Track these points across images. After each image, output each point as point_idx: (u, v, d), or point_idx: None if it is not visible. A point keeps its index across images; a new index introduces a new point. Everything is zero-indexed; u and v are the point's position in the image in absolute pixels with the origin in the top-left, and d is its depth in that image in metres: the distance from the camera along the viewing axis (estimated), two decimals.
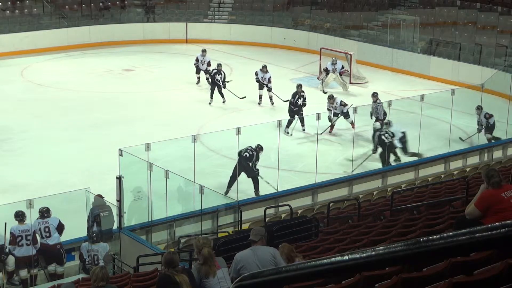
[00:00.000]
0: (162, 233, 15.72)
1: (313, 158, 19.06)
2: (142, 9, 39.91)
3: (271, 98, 26.99)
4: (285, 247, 9.56)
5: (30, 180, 19.98)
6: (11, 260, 14.22)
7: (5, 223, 14.14)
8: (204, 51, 29.54)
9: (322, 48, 32.64)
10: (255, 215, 16.40)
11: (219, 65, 27.81)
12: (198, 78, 29.42)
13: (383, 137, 20.57)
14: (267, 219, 15.30)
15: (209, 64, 28.93)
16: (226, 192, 17.88)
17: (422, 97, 20.88)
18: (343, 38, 35.41)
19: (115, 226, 15.30)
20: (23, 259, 14.25)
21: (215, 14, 39.90)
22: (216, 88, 27.16)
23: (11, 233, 14.20)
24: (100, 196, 15.42)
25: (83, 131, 24.18)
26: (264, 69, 27.08)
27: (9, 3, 37.84)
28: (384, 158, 20.27)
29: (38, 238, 14.43)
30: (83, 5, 39.25)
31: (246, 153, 18.29)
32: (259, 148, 18.51)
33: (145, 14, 39.58)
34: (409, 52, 33.33)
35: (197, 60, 29.49)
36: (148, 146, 15.89)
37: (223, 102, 27.16)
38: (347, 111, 23.07)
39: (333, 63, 29.51)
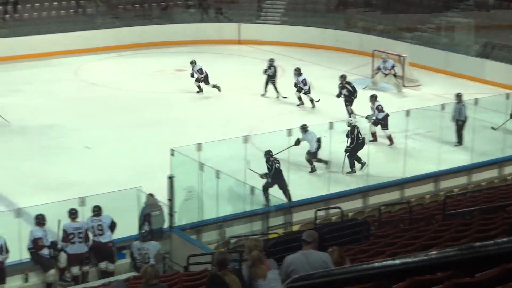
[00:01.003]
0: (213, 233, 15.76)
1: (364, 161, 18.96)
2: (196, 9, 40.04)
3: (311, 101, 26.97)
4: (335, 251, 9.49)
5: (81, 178, 20.17)
6: (63, 257, 14.37)
7: (59, 220, 14.31)
8: (193, 62, 28.98)
9: (375, 50, 32.43)
10: (305, 217, 16.34)
11: (271, 60, 28.19)
12: (198, 86, 28.91)
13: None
14: (317, 221, 15.23)
15: (200, 71, 28.65)
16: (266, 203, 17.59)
17: (476, 100, 20.67)
18: (396, 40, 35.12)
19: (166, 225, 15.38)
20: (75, 256, 14.40)
21: (268, 15, 39.87)
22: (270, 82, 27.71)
23: (63, 230, 14.36)
24: (151, 195, 15.52)
25: (134, 130, 24.35)
26: (296, 72, 27.11)
27: (63, 2, 38.22)
28: None
29: (90, 235, 14.57)
30: (136, 5, 39.52)
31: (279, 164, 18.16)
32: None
33: (201, 14, 39.65)
34: (463, 55, 32.92)
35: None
36: (199, 146, 15.95)
37: (277, 97, 27.50)
38: (384, 120, 22.72)
39: (384, 61, 29.42)
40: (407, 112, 20.32)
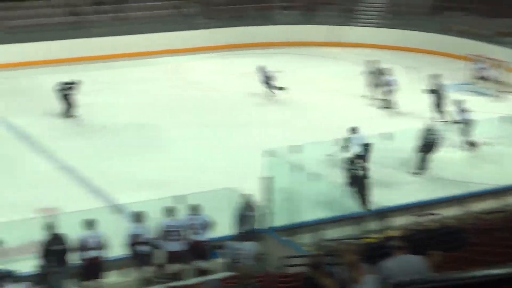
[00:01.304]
0: (308, 236, 15.74)
1: (463, 168, 18.70)
2: (293, 11, 40.10)
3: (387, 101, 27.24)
4: (434, 255, 9.36)
5: (176, 177, 20.41)
6: (160, 254, 14.58)
7: (156, 218, 14.52)
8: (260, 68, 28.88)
9: (471, 54, 31.90)
10: (401, 222, 16.20)
11: (372, 61, 28.46)
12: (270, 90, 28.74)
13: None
14: (413, 227, 15.07)
15: (268, 77, 28.52)
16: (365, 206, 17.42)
17: None
18: (495, 45, 34.46)
19: (261, 226, 15.45)
20: (172, 253, 14.59)
21: (364, 18, 39.59)
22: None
23: (161, 227, 14.57)
24: (247, 195, 15.60)
25: (228, 131, 24.54)
26: (380, 72, 27.50)
27: (160, 3, 38.74)
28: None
29: (187, 234, 14.73)
30: (233, 6, 39.78)
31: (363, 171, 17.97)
32: None
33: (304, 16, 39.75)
34: None
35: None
36: (294, 148, 15.96)
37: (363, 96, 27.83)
38: (465, 125, 22.34)
39: (476, 63, 29.32)
40: (507, 118, 19.93)
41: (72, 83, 25.75)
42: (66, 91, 25.52)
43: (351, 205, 16.16)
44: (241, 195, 15.66)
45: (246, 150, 22.03)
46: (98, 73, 32.10)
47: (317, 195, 16.60)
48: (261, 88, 28.01)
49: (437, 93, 25.50)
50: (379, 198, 17.56)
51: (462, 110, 22.78)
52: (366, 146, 20.10)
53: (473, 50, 33.06)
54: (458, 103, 23.18)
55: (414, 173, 20.20)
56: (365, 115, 26.38)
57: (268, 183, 15.56)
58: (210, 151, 22.68)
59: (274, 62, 33.95)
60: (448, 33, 37.35)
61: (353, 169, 17.75)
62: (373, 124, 24.36)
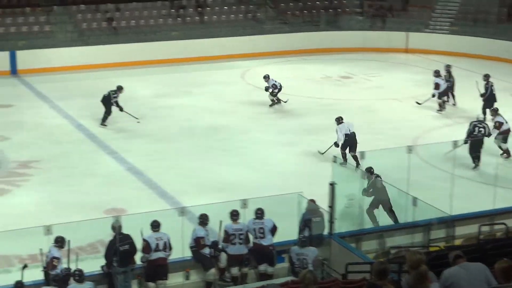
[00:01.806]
0: (372, 242, 15.59)
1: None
2: (363, 17, 39.97)
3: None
4: (503, 263, 9.02)
5: (245, 181, 20.52)
6: (223, 257, 14.60)
7: (220, 221, 14.55)
8: (266, 77, 28.10)
9: None
10: (468, 231, 15.93)
11: (447, 66, 28.29)
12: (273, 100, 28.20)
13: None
14: (481, 237, 14.83)
15: (274, 86, 27.86)
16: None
17: None
18: None
19: (325, 232, 15.37)
20: (235, 257, 14.60)
21: (437, 24, 39.22)
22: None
23: (225, 231, 14.59)
24: (313, 201, 15.53)
25: (298, 136, 24.56)
26: (436, 74, 27.47)
27: (234, 7, 38.99)
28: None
29: (251, 237, 14.74)
30: (305, 11, 39.81)
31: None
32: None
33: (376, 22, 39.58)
34: None
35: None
36: (362, 155, 15.85)
37: (453, 104, 27.67)
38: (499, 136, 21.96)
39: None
40: None
41: (116, 90, 25.62)
42: (112, 99, 25.37)
43: (419, 213, 15.94)
44: (308, 201, 15.59)
45: (317, 155, 22.04)
46: (172, 76, 32.43)
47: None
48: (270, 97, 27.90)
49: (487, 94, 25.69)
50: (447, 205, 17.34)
51: (495, 121, 22.37)
52: (348, 136, 21.61)
53: None
54: (492, 112, 23.02)
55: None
56: (440, 122, 26.08)
57: (334, 189, 15.46)
58: (281, 156, 22.75)
59: (347, 68, 33.92)
60: None
61: None
62: (444, 132, 24.13)
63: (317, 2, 40.19)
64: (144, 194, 19.79)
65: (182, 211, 14.55)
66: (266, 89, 27.61)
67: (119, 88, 25.45)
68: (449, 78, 27.96)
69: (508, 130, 21.97)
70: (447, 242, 15.51)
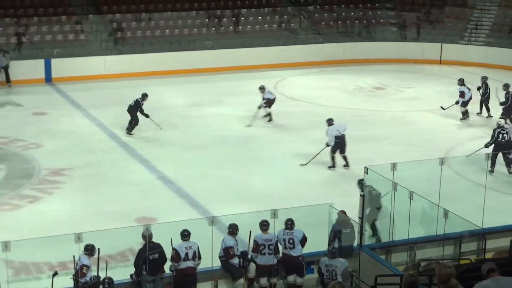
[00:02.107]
0: (402, 255, 15.51)
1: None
2: (397, 28, 39.86)
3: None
4: None
5: (275, 191, 20.52)
6: (252, 267, 14.58)
7: (250, 231, 14.55)
8: (261, 88, 27.63)
9: None
10: (500, 244, 15.79)
11: (484, 77, 28.32)
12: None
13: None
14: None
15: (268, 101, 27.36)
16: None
17: None
18: None
19: (355, 243, 15.31)
20: (264, 267, 14.57)
21: (472, 36, 38.98)
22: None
23: (254, 241, 14.58)
24: (343, 212, 15.49)
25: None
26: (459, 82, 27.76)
27: (268, 17, 39.06)
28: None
29: (280, 248, 14.70)
30: (339, 22, 39.80)
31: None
32: None
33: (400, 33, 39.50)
34: None
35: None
36: (394, 166, 15.76)
37: (487, 117, 27.76)
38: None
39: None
40: None
41: (142, 97, 25.71)
42: (139, 106, 25.43)
43: (450, 225, 15.83)
44: (338, 212, 15.54)
45: (352, 166, 22.13)
46: (206, 85, 32.54)
47: (416, 214, 16.31)
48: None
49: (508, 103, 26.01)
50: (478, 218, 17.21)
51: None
52: (339, 138, 22.44)
53: None
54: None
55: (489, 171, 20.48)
56: (472, 134, 25.93)
57: (364, 200, 15.41)
58: (314, 166, 22.66)
59: (380, 79, 33.81)
60: None
61: None
62: (477, 144, 23.94)
63: (351, 13, 40.14)
64: (175, 202, 19.84)
65: (212, 221, 14.54)
66: (260, 106, 27.26)
67: (144, 96, 25.56)
68: (486, 90, 27.82)
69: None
70: (478, 255, 15.40)
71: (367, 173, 15.91)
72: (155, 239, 14.01)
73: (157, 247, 14.04)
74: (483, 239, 15.41)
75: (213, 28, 37.60)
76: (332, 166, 22.42)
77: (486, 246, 15.39)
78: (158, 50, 35.25)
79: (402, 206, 15.59)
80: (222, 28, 37.75)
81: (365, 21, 40.18)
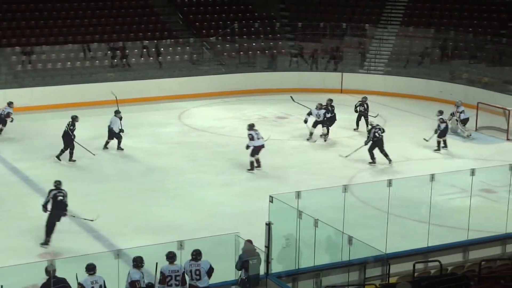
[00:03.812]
0: (308, 282, 15.67)
1: (465, 214, 18.63)
2: (298, 58, 40.42)
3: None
4: None
5: (182, 222, 20.49)
6: None
7: (156, 263, 14.45)
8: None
9: (479, 102, 32.01)
10: (403, 269, 16.12)
11: (364, 97, 30.70)
12: None
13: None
14: (415, 274, 15.00)
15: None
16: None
17: None
18: (502, 93, 34.54)
19: (262, 272, 15.38)
20: None
21: (371, 65, 39.85)
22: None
23: (161, 272, 14.49)
24: (250, 241, 15.54)
25: (235, 176, 24.66)
26: (318, 106, 29.40)
27: (170, 49, 39.10)
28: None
29: (187, 279, 14.66)
30: (241, 53, 40.11)
31: None
32: None
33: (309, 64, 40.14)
34: None
35: None
36: (298, 194, 15.94)
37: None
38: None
39: (457, 106, 30.53)
40: (511, 167, 19.86)
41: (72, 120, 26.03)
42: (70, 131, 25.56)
43: (354, 252, 16.05)
44: (245, 241, 15.59)
45: (256, 195, 22.15)
46: (109, 117, 32.18)
47: (321, 241, 16.50)
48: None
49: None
50: (382, 244, 17.52)
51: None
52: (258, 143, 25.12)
53: (482, 98, 33.08)
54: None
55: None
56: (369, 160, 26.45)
57: (270, 229, 15.52)
58: (220, 197, 22.80)
59: (280, 108, 34.20)
60: (457, 81, 37.51)
61: None
62: (381, 171, 24.43)
63: (253, 44, 40.50)
64: (80, 237, 19.56)
65: (118, 254, 14.42)
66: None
67: (74, 118, 25.61)
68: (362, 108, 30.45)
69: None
70: (382, 280, 15.65)
71: (272, 202, 16.05)
72: (59, 274, 13.79)
73: (62, 282, 13.81)
74: (387, 264, 15.69)
75: (115, 60, 37.41)
76: (251, 170, 24.99)
77: (390, 270, 15.67)
78: (60, 83, 34.86)
79: (307, 234, 15.77)
80: (125, 60, 37.57)
81: (266, 51, 40.59)
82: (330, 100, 30.19)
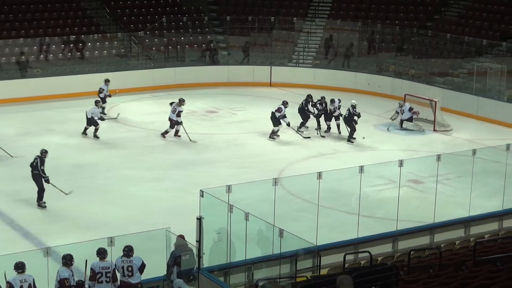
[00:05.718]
0: (240, 276, 15.70)
1: (394, 205, 18.88)
2: (227, 52, 40.43)
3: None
4: None
5: (112, 218, 20.35)
6: None
7: (86, 260, 14.33)
8: (107, 80, 31.85)
9: (407, 94, 32.43)
10: (334, 260, 16.26)
11: (322, 97, 30.30)
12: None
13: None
14: (346, 265, 15.15)
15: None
16: None
17: (508, 146, 20.51)
18: (428, 85, 35.07)
19: (195, 267, 15.36)
20: None
21: (300, 58, 40.05)
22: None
23: (91, 269, 14.36)
24: (182, 237, 15.50)
25: (165, 171, 24.57)
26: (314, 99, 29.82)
27: (98, 44, 38.70)
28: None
29: (119, 275, 14.55)
30: (170, 47, 39.92)
31: None
32: None
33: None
34: (495, 101, 32.83)
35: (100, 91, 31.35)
36: (229, 188, 15.95)
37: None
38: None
39: (400, 106, 30.82)
40: (438, 157, 20.17)
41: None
42: None
43: (286, 244, 16.14)
44: (177, 237, 15.54)
45: (187, 190, 22.02)
46: (35, 113, 31.83)
47: (252, 235, 16.55)
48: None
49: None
50: (313, 236, 17.65)
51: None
52: None
53: (408, 90, 33.59)
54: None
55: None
56: (303, 154, 26.61)
57: (201, 223, 15.50)
58: (151, 192, 22.69)
59: (210, 102, 34.17)
60: (384, 73, 37.98)
61: None
62: (311, 163, 24.60)
63: (181, 38, 40.31)
64: (8, 235, 19.28)
65: (47, 252, 14.25)
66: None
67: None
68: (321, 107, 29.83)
69: None
70: (314, 272, 15.77)
71: (202, 196, 16.03)
72: None
73: None
74: (318, 256, 15.80)
75: (41, 56, 36.89)
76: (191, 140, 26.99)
77: (321, 262, 15.79)
78: None
79: (238, 227, 15.79)
80: (51, 55, 37.08)
81: (195, 45, 40.47)
82: (323, 98, 30.27)
